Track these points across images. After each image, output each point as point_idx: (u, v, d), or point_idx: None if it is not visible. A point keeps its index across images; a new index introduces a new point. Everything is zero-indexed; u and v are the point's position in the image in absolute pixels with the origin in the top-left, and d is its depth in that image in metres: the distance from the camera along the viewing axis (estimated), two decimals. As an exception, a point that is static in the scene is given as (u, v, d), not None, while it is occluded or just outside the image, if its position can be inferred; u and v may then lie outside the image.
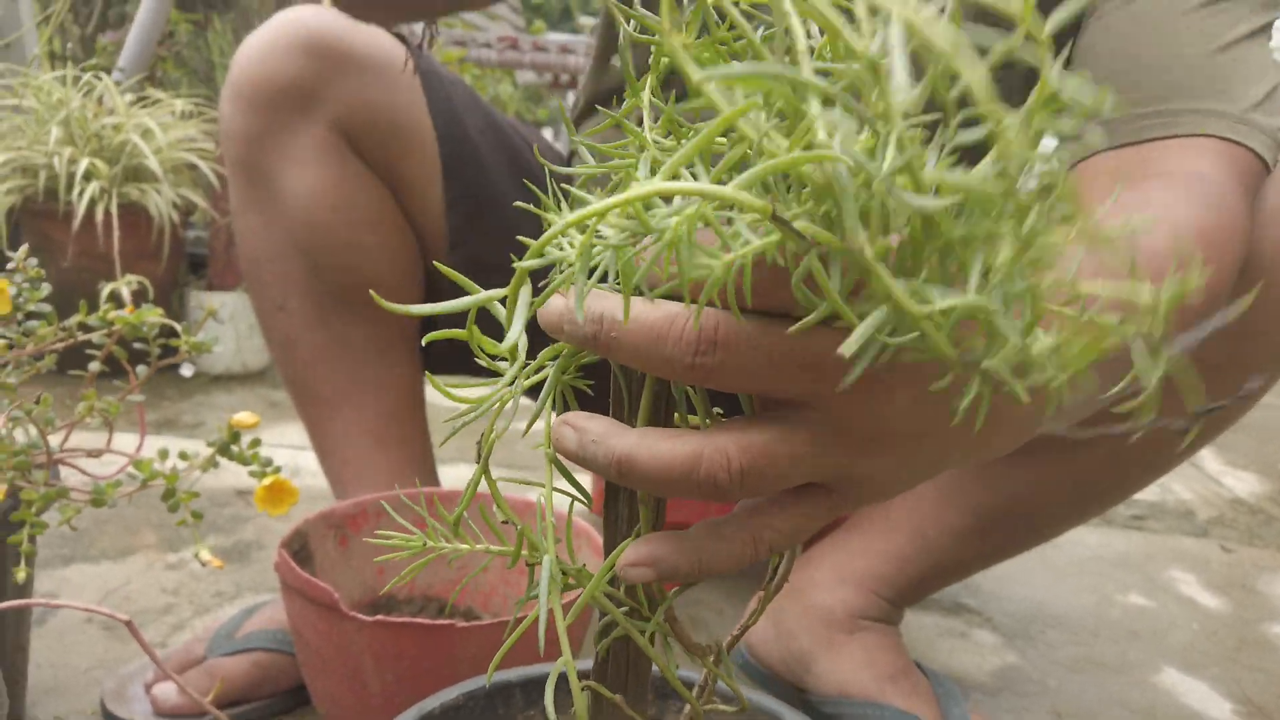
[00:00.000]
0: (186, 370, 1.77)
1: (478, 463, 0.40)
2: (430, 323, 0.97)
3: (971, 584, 1.27)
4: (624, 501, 0.42)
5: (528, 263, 0.33)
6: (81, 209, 1.64)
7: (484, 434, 0.40)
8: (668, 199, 0.31)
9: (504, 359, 0.37)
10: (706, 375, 0.33)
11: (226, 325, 1.76)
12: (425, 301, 0.96)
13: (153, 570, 1.11)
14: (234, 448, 0.75)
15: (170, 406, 1.71)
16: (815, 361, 0.32)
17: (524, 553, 0.41)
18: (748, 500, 0.37)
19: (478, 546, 0.46)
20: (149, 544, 1.17)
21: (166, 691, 0.81)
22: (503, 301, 0.36)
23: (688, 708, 0.44)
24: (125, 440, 0.80)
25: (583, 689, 0.41)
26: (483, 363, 0.37)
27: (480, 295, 0.35)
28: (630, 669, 0.46)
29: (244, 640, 0.84)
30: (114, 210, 1.66)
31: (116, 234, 1.63)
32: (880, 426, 0.34)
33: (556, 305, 0.35)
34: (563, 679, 0.55)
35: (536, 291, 0.37)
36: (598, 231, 0.32)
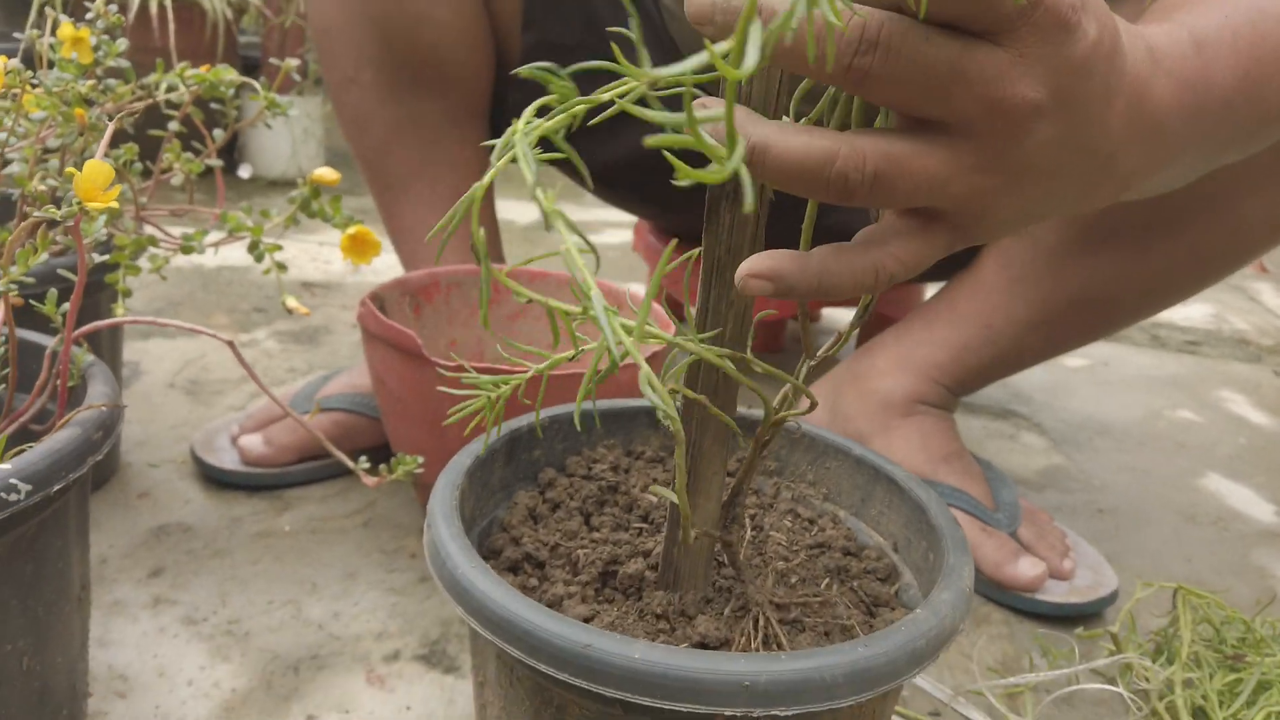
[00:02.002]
0: (244, 171, 1.79)
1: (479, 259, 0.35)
2: (502, 102, 0.96)
3: (1021, 393, 1.28)
4: (725, 210, 0.43)
5: None
6: (136, 2, 1.62)
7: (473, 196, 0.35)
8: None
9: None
10: (861, 79, 0.32)
11: (282, 129, 1.75)
12: (492, 78, 0.95)
13: (226, 348, 1.15)
14: (314, 204, 0.76)
15: (228, 207, 1.74)
16: (976, 76, 0.32)
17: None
18: (869, 230, 0.38)
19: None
20: (222, 324, 1.21)
21: (252, 442, 0.85)
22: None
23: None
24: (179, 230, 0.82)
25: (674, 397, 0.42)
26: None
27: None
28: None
29: (324, 401, 0.88)
30: (169, 4, 1.64)
31: (172, 28, 1.62)
32: (1019, 160, 0.34)
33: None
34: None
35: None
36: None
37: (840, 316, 1.50)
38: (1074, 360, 1.44)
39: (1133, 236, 0.81)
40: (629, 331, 0.34)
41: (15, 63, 0.73)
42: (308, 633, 0.69)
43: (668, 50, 0.92)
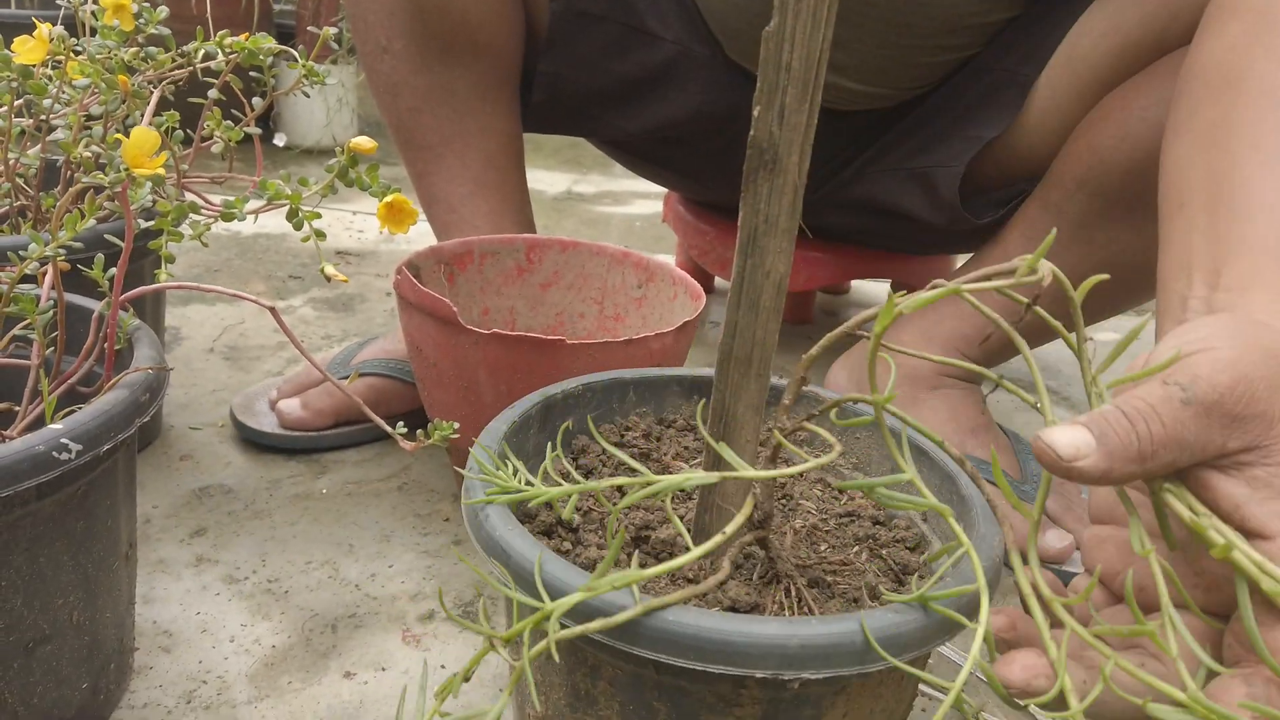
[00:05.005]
0: (279, 140, 1.80)
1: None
2: (531, 71, 0.96)
3: (1049, 365, 1.28)
4: (763, 179, 0.43)
5: None
6: (171, -30, 1.63)
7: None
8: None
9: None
10: None
11: (317, 98, 1.76)
12: (522, 48, 0.95)
13: (264, 314, 1.16)
14: (352, 172, 0.77)
15: (265, 175, 1.75)
16: None
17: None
18: None
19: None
20: (259, 291, 1.23)
21: (290, 406, 0.87)
22: None
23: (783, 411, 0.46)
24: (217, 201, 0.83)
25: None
26: None
27: None
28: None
29: (359, 366, 0.89)
30: (204, -28, 1.65)
31: (207, -4, 1.63)
32: None
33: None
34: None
35: None
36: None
37: (869, 289, 1.49)
38: (1103, 333, 1.43)
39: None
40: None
41: (60, 29, 0.74)
42: (345, 592, 0.71)
43: (693, 19, 0.92)
